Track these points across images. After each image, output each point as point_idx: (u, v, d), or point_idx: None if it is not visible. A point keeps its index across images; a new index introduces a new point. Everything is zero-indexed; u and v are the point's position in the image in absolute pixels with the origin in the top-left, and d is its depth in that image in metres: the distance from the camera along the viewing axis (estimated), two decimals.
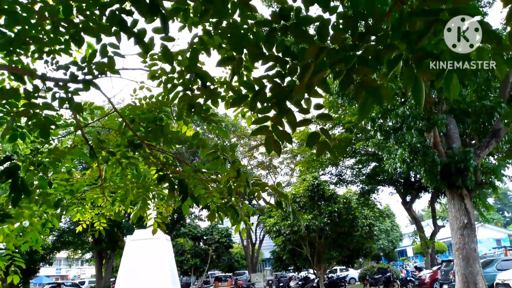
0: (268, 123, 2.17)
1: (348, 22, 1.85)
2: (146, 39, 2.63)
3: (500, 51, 1.68)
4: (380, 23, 1.85)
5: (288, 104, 2.12)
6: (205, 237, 35.50)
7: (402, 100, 12.32)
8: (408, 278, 25.07)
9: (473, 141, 14.30)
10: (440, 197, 24.57)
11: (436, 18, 1.66)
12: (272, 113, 2.17)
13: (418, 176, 23.04)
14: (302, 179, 24.05)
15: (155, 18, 3.01)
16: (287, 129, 2.17)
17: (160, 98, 3.42)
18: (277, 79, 2.12)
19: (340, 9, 2.18)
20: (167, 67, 3.19)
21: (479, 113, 12.03)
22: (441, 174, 12.06)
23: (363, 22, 1.94)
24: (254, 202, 33.99)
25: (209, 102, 3.22)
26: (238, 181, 3.47)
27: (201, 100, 3.26)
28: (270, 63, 2.14)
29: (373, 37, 1.85)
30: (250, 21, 2.80)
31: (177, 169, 3.44)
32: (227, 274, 38.22)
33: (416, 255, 50.66)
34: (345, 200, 22.06)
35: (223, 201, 3.53)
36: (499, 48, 1.67)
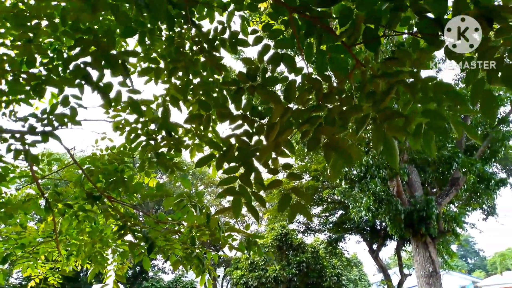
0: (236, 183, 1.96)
1: (313, 83, 1.88)
2: (113, 92, 2.63)
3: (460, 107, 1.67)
4: (343, 84, 1.91)
5: (256, 164, 1.95)
6: None
7: (365, 149, 12.71)
8: None
9: (434, 189, 14.75)
10: (405, 244, 24.79)
11: (397, 80, 1.68)
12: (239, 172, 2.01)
13: (383, 224, 23.30)
14: (270, 228, 23.78)
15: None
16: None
17: (122, 149, 3.38)
18: (244, 138, 2.02)
19: (305, 70, 2.25)
20: (131, 118, 3.19)
21: (439, 163, 12.55)
22: (405, 222, 12.28)
23: (327, 83, 1.96)
24: (220, 253, 33.02)
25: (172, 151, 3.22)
26: (202, 230, 3.41)
27: (165, 150, 3.25)
28: (238, 122, 2.06)
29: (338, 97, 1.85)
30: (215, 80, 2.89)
31: (138, 220, 3.34)
32: None
33: None
34: (313, 249, 21.90)
35: (187, 251, 3.45)
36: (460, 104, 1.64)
